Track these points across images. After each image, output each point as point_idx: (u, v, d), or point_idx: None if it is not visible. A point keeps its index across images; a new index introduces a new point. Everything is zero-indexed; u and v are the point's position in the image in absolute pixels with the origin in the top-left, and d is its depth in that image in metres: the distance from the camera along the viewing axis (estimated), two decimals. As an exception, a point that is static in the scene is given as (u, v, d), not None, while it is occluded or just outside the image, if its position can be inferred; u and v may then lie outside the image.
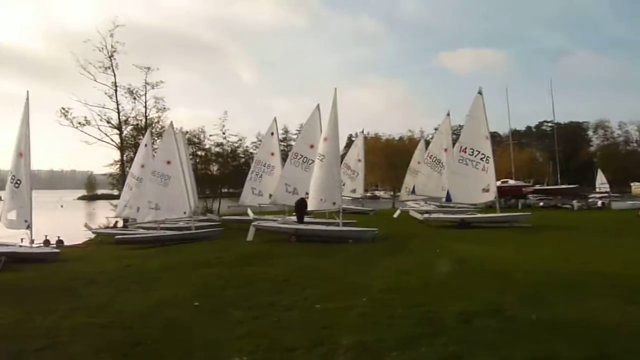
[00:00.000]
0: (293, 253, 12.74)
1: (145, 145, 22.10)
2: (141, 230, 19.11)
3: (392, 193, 47.72)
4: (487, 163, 19.38)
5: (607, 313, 5.70)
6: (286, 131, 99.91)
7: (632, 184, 32.20)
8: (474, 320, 5.59)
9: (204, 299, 7.35)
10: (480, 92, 20.52)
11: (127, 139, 31.52)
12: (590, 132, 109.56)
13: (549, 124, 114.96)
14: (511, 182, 37.81)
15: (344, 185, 34.54)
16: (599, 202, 32.02)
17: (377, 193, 79.48)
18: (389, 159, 43.97)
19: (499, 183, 40.17)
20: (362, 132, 35.51)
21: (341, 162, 36.45)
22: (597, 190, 41.26)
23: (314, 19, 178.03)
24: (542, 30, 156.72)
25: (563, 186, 37.06)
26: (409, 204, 31.39)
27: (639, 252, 11.27)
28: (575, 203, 31.25)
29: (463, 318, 5.68)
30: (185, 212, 18.23)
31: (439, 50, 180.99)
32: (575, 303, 6.31)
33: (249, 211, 23.27)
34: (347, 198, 28.42)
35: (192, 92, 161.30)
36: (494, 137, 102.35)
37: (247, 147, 51.00)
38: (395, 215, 26.59)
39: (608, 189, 41.80)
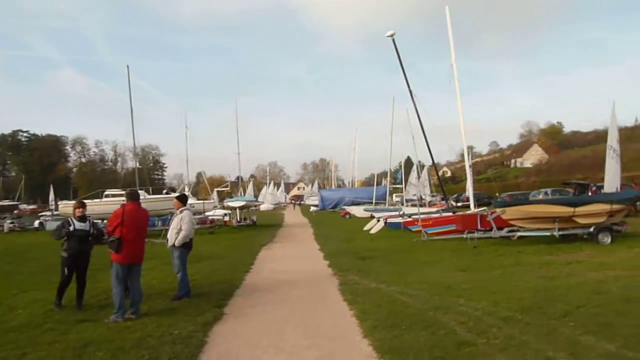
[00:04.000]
0: None
1: None
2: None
3: None
4: None
5: None
6: None
7: (59, 202, 31.06)
8: None
9: None
10: None
11: None
12: (69, 148, 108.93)
13: (25, 134, 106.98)
14: None
15: None
16: (36, 223, 29.04)
17: None
18: None
19: None
20: None
21: None
22: (51, 207, 38.84)
23: None
24: (38, 40, 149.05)
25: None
26: None
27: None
28: (7, 223, 26.79)
29: None
30: None
31: None
32: None
33: None
34: None
35: None
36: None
37: None
38: None
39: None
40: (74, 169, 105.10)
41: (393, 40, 20.36)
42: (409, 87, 20.37)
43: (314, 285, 9.41)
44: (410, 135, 34.55)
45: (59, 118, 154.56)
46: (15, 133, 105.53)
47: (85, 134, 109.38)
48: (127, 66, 29.60)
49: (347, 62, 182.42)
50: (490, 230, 14.83)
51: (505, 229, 14.70)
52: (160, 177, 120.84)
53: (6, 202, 32.16)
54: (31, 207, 66.05)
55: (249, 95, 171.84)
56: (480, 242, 14.63)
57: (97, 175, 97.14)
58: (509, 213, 14.30)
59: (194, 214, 30.66)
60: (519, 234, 14.50)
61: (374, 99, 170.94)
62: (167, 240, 8.20)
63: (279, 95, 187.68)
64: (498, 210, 14.85)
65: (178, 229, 7.99)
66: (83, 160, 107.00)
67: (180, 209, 8.18)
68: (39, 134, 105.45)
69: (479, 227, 15.52)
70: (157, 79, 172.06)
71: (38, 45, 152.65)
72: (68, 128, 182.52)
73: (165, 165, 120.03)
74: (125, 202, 7.13)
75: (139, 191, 9.88)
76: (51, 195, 42.99)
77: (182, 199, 8.39)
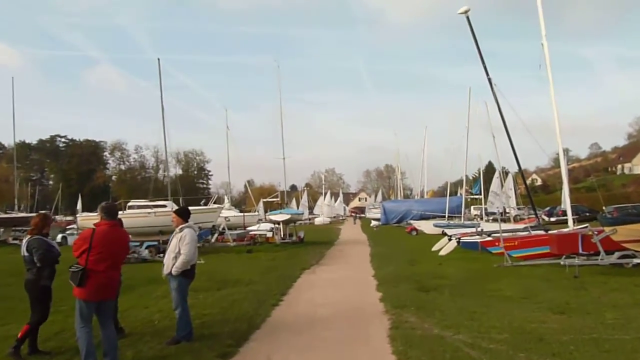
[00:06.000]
0: None
1: None
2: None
3: None
4: None
5: None
6: None
7: (78, 214, 31.62)
8: None
9: None
10: None
11: None
12: (107, 154, 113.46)
13: (63, 140, 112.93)
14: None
15: None
16: (59, 237, 29.52)
17: None
18: None
19: None
20: None
21: None
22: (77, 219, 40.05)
23: None
24: (77, 38, 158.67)
25: (26, 215, 33.31)
26: None
27: None
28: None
29: None
30: None
31: None
32: None
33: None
34: None
35: None
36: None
37: None
38: None
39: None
40: (113, 177, 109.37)
41: (467, 18, 18.90)
42: (487, 73, 18.81)
43: (357, 326, 8.22)
44: (490, 134, 32.67)
45: (98, 121, 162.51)
46: (53, 138, 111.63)
47: (125, 138, 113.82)
48: (158, 59, 29.89)
49: (411, 49, 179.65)
50: (596, 255, 13.02)
51: (617, 254, 12.86)
52: (205, 185, 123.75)
53: (27, 214, 33.22)
54: (67, 218, 68.91)
55: (302, 92, 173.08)
56: (583, 270, 12.85)
57: (138, 184, 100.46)
58: (621, 233, 12.45)
59: (232, 228, 30.39)
60: (636, 260, 12.60)
61: (445, 91, 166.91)
62: (163, 265, 7.29)
63: (336, 92, 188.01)
64: (607, 229, 12.99)
65: (176, 252, 7.07)
66: (122, 167, 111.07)
67: (180, 227, 7.26)
68: (77, 139, 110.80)
69: (580, 250, 13.70)
70: (203, 77, 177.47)
71: (77, 43, 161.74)
72: (107, 132, 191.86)
73: (210, 173, 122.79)
74: (99, 220, 6.25)
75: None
76: (79, 205, 44.14)
77: (183, 214, 7.47)
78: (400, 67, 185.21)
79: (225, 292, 11.64)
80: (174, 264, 7.05)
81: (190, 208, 27.76)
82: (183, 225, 7.29)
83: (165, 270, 7.18)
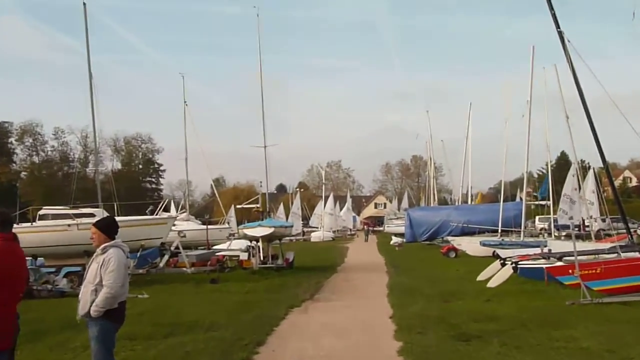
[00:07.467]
0: None
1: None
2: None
3: None
4: None
5: None
6: None
7: None
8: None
9: None
10: None
11: None
12: (14, 141, 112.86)
13: None
14: None
15: None
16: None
17: None
18: None
19: None
20: None
21: None
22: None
23: None
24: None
25: None
26: None
27: None
28: None
29: None
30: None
31: None
32: None
33: None
34: None
35: None
36: None
37: None
38: None
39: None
40: (22, 173, 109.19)
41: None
42: (557, 25, 18.75)
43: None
44: (563, 113, 32.57)
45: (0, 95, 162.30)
46: None
47: (40, 118, 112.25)
48: (84, 3, 29.92)
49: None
50: None
51: None
52: (154, 185, 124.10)
53: None
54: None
55: (295, 56, 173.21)
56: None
57: (58, 183, 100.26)
58: None
59: (191, 247, 30.15)
60: None
61: (498, 54, 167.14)
62: (79, 303, 7.15)
63: (344, 56, 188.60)
64: None
65: (97, 283, 6.93)
66: (36, 159, 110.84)
67: (103, 246, 7.11)
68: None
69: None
70: (154, 34, 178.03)
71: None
72: (14, 110, 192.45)
73: (162, 168, 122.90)
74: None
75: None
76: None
77: (106, 227, 7.30)
78: (437, 19, 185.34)
79: (175, 341, 11.66)
80: (93, 301, 6.91)
81: (126, 218, 27.96)
82: (107, 244, 7.14)
83: (81, 311, 7.04)
